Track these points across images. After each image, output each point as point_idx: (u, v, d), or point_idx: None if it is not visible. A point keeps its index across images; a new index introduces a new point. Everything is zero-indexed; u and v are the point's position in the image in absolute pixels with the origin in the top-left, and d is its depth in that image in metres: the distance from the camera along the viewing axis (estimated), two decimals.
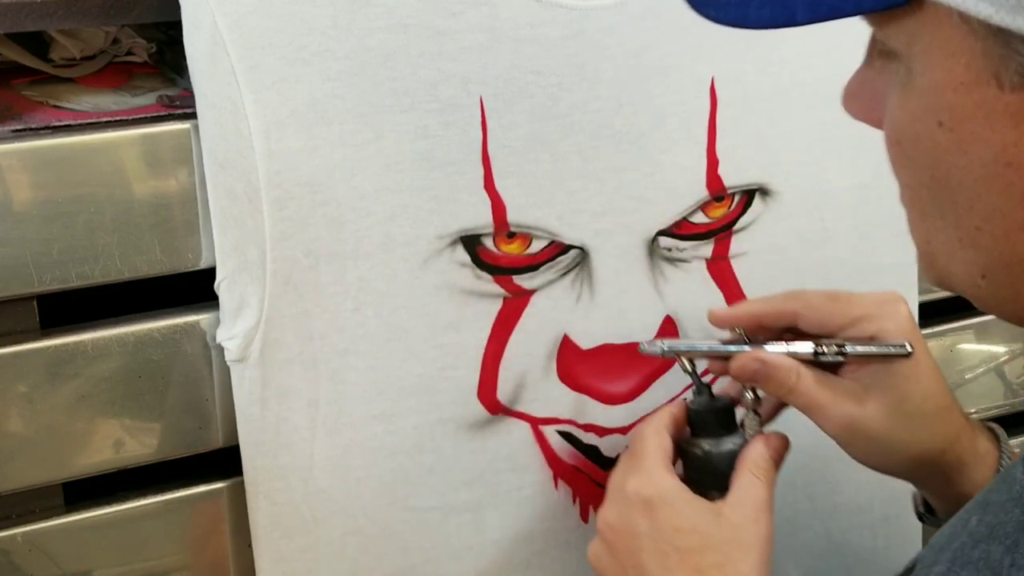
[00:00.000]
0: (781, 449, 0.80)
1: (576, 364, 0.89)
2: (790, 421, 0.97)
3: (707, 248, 0.91)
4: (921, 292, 1.01)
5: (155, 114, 0.82)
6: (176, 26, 0.77)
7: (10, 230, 0.76)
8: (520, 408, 0.88)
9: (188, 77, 0.78)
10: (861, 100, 0.66)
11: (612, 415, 0.91)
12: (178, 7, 0.76)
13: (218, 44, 0.75)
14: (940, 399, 0.79)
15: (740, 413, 0.82)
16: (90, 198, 0.78)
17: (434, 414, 0.85)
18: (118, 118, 0.81)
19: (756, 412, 0.81)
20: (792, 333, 0.82)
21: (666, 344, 0.83)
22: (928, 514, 0.85)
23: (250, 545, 0.83)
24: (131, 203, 0.79)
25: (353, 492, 0.84)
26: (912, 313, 0.80)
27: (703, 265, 0.91)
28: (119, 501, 0.82)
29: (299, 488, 0.83)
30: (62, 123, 0.79)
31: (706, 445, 0.80)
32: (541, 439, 0.89)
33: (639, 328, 0.90)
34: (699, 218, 0.90)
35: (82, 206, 0.77)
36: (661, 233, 0.89)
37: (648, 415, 0.82)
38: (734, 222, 0.92)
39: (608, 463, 0.91)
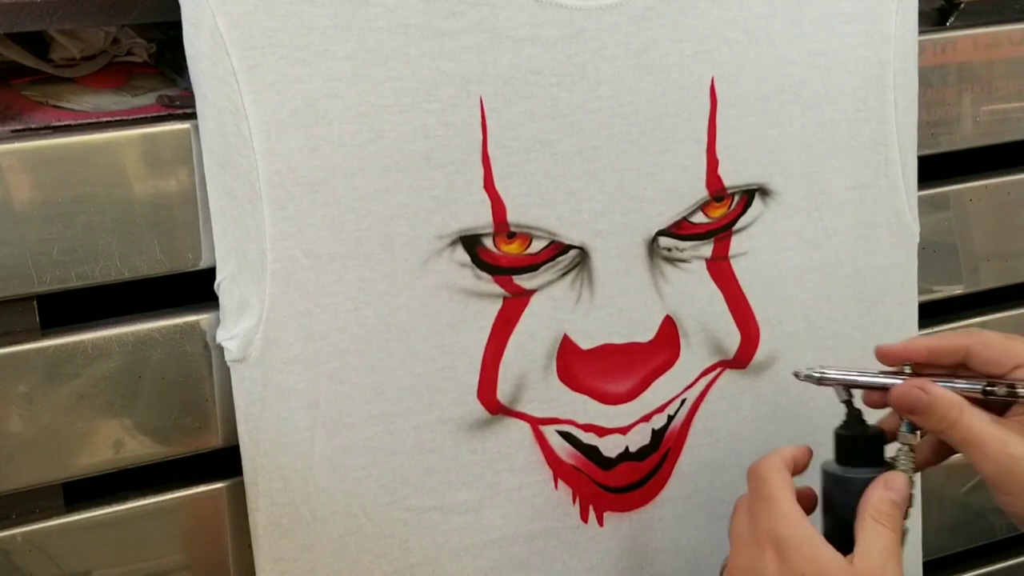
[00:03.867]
0: (904, 491, 0.77)
1: (576, 364, 0.89)
2: (788, 418, 0.97)
3: (707, 248, 0.91)
4: (921, 292, 1.01)
5: (155, 114, 0.82)
6: (176, 26, 0.77)
7: (10, 230, 0.76)
8: (520, 408, 0.88)
9: (188, 77, 0.78)
10: None
11: (612, 415, 0.90)
12: (178, 7, 0.76)
13: (218, 44, 0.75)
14: None
15: (893, 449, 0.80)
16: (90, 198, 0.78)
17: (434, 414, 0.85)
18: (118, 118, 0.81)
19: (911, 448, 0.79)
20: (966, 371, 0.79)
21: (823, 371, 0.81)
22: None
23: (250, 545, 0.83)
24: (131, 203, 0.79)
25: (353, 492, 0.84)
26: None
27: (703, 265, 0.91)
28: (119, 501, 0.82)
29: (299, 488, 0.83)
30: (62, 123, 0.79)
31: (846, 473, 0.79)
32: (541, 439, 0.89)
33: (639, 328, 0.90)
34: (699, 218, 0.90)
35: (82, 206, 0.77)
36: (661, 233, 0.89)
37: (765, 456, 0.80)
38: (734, 222, 0.92)
39: (608, 463, 0.91)
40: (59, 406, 0.79)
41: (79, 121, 0.80)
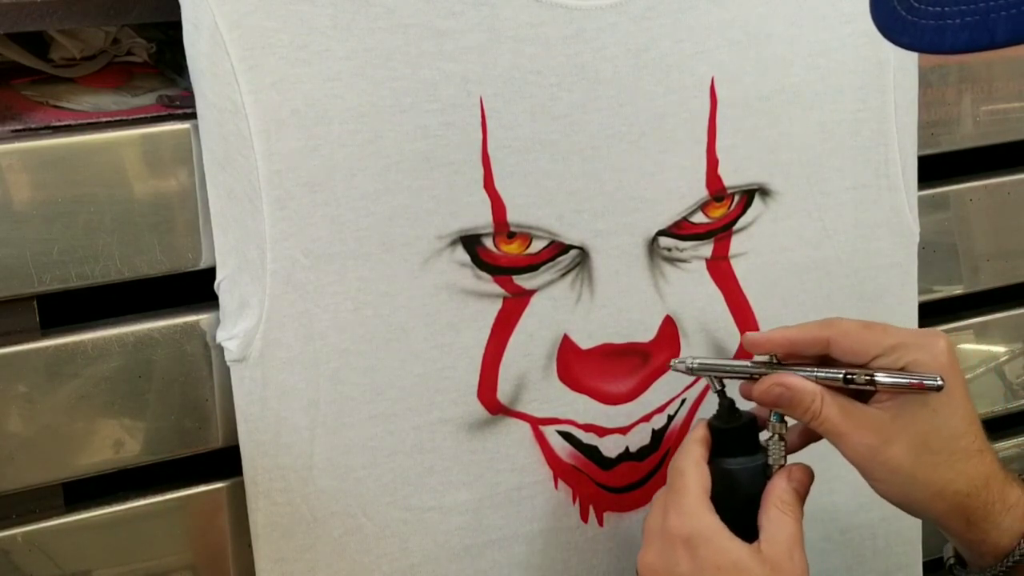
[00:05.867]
0: (805, 481, 0.80)
1: (576, 364, 0.89)
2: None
3: (707, 248, 0.91)
4: (921, 292, 1.01)
5: (155, 114, 0.82)
6: (176, 26, 0.77)
7: (10, 230, 0.76)
8: (520, 408, 0.88)
9: (188, 77, 0.78)
10: None
11: (612, 415, 0.90)
12: (178, 7, 0.76)
13: (218, 44, 0.75)
14: (970, 440, 0.78)
15: (766, 435, 0.82)
16: (90, 198, 0.78)
17: (434, 414, 0.85)
18: (118, 118, 0.81)
19: (781, 437, 0.81)
20: (830, 360, 0.81)
21: (695, 362, 0.83)
22: (959, 566, 0.84)
23: (250, 545, 0.83)
24: (131, 203, 0.79)
25: (353, 492, 0.84)
26: (953, 349, 0.79)
27: (703, 265, 0.91)
28: (119, 501, 0.82)
29: (299, 488, 0.83)
30: (62, 123, 0.79)
31: (725, 464, 0.81)
32: (541, 439, 0.89)
33: (639, 328, 0.90)
34: (699, 218, 0.90)
35: (82, 206, 0.77)
36: (661, 233, 0.89)
37: (681, 447, 0.82)
38: (734, 222, 0.92)
39: (608, 463, 0.91)
40: (59, 406, 0.79)
41: (79, 121, 0.80)
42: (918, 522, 1.04)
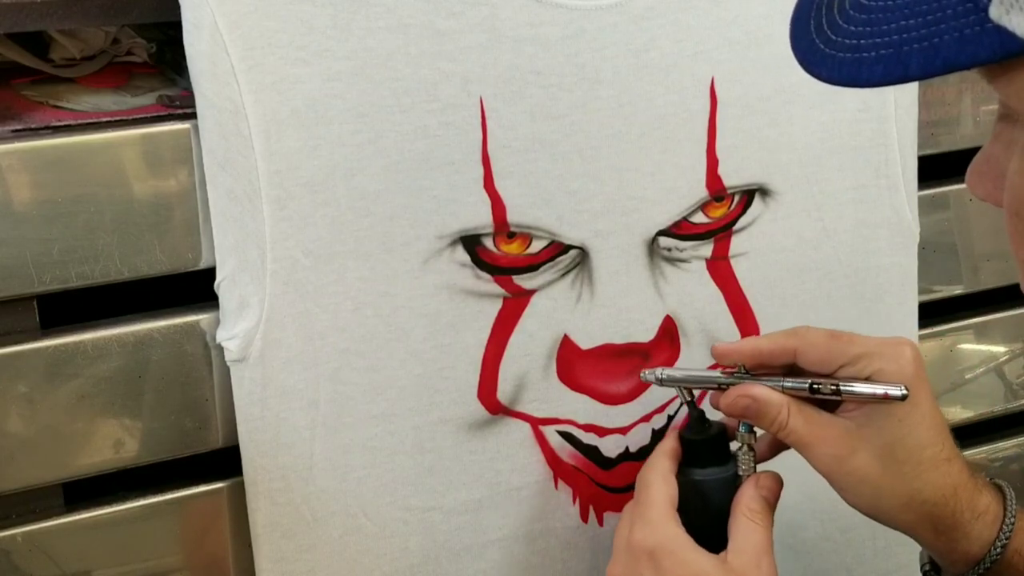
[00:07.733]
0: (774, 488, 0.80)
1: (576, 364, 0.89)
2: None
3: (707, 248, 0.91)
4: (921, 292, 1.01)
5: (155, 114, 0.82)
6: (176, 26, 0.77)
7: (10, 230, 0.76)
8: (520, 408, 0.88)
9: (188, 77, 0.78)
10: (987, 179, 0.60)
11: (612, 415, 0.90)
12: (178, 7, 0.76)
13: (218, 44, 0.75)
14: (937, 449, 0.78)
15: (735, 446, 0.82)
16: (90, 198, 0.78)
17: (434, 414, 0.85)
18: (118, 118, 0.81)
19: (750, 447, 0.81)
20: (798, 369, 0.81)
21: (664, 373, 0.83)
22: (934, 572, 0.84)
23: (250, 545, 0.83)
24: (131, 203, 0.79)
25: (353, 492, 0.84)
26: (919, 358, 0.79)
27: (703, 265, 0.91)
28: (119, 501, 0.82)
29: (299, 488, 0.83)
30: (62, 123, 0.79)
31: (695, 475, 0.81)
32: (541, 439, 0.89)
33: (639, 328, 0.90)
34: (699, 218, 0.90)
35: (82, 206, 0.77)
36: (661, 233, 0.89)
37: (649, 459, 0.82)
38: (734, 222, 0.92)
39: (608, 463, 0.91)
40: (59, 406, 0.79)
41: (79, 121, 0.80)
42: None
